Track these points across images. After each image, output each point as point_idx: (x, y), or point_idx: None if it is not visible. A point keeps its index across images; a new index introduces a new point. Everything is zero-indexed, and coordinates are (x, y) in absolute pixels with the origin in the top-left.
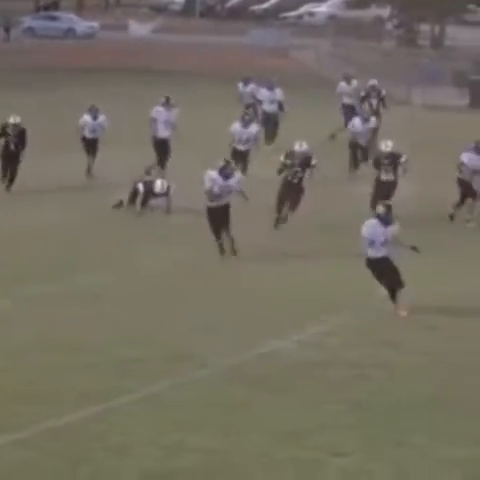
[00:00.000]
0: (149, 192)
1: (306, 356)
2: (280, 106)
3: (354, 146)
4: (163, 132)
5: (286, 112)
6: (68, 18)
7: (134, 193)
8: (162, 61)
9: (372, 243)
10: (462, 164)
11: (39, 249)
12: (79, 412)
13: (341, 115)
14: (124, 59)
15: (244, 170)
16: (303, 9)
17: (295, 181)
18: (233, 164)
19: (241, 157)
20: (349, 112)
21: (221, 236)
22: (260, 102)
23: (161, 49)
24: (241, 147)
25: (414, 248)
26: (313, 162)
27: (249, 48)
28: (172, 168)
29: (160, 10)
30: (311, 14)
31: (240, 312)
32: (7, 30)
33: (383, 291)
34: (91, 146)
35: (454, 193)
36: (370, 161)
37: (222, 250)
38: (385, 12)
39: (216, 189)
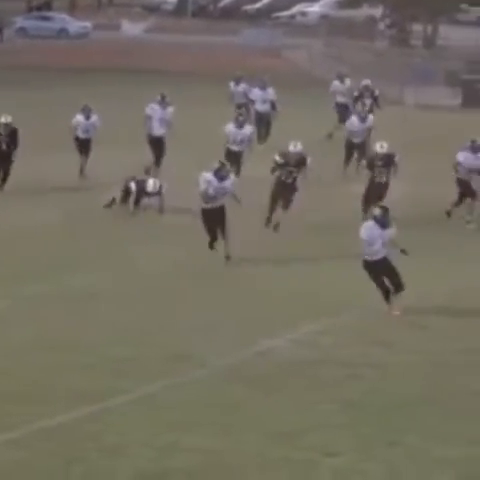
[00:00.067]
0: (141, 191)
1: (299, 355)
2: (273, 106)
3: (350, 145)
4: (158, 130)
5: (278, 112)
6: (61, 18)
7: (126, 192)
8: (155, 61)
9: (370, 245)
10: (458, 164)
11: (33, 249)
12: (73, 412)
13: (335, 114)
14: (117, 59)
15: (238, 171)
16: (295, 9)
17: (289, 181)
18: (228, 166)
19: (235, 158)
20: (343, 111)
21: (216, 238)
22: (252, 102)
23: (154, 49)
24: (235, 148)
25: (403, 251)
26: (308, 162)
27: (241, 48)
28: (165, 167)
29: (152, 10)
30: (303, 14)
31: (234, 312)
32: (0, 30)
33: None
34: (84, 146)
35: (448, 193)
36: (363, 162)
37: (212, 246)
38: (377, 12)
39: (211, 191)
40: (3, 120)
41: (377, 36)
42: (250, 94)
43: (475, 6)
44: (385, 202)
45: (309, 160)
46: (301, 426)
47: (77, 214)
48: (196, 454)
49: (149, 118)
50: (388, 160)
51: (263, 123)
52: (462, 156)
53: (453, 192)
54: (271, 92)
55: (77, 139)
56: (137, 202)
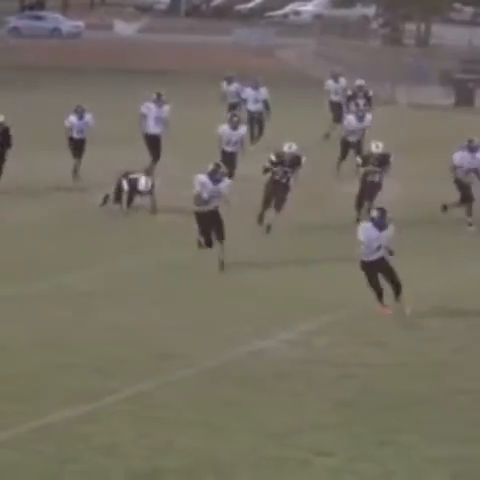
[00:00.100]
0: (133, 190)
1: (292, 355)
2: (266, 105)
3: (346, 143)
4: (154, 128)
5: (271, 111)
6: (54, 18)
7: (118, 190)
8: (147, 60)
9: (367, 246)
10: (455, 166)
11: (25, 248)
12: (64, 412)
13: (330, 113)
14: (110, 59)
15: (232, 173)
16: (288, 8)
17: (283, 180)
18: (223, 168)
19: (229, 159)
20: (337, 110)
21: (211, 242)
22: (245, 101)
23: (146, 48)
24: (229, 149)
25: (390, 251)
26: (302, 162)
27: (234, 47)
28: (158, 167)
29: (145, 10)
30: (297, 13)
31: (227, 312)
32: None
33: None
34: (78, 147)
35: (442, 192)
36: (358, 159)
37: (200, 245)
38: (371, 11)
39: (205, 194)
40: None
41: (370, 35)
42: (242, 93)
43: (468, 5)
44: (378, 202)
45: (303, 160)
46: (294, 425)
47: (70, 214)
48: (188, 453)
49: (144, 117)
50: (383, 160)
51: (255, 123)
52: (459, 156)
53: (447, 192)
54: (264, 92)
55: (71, 139)
56: (130, 201)
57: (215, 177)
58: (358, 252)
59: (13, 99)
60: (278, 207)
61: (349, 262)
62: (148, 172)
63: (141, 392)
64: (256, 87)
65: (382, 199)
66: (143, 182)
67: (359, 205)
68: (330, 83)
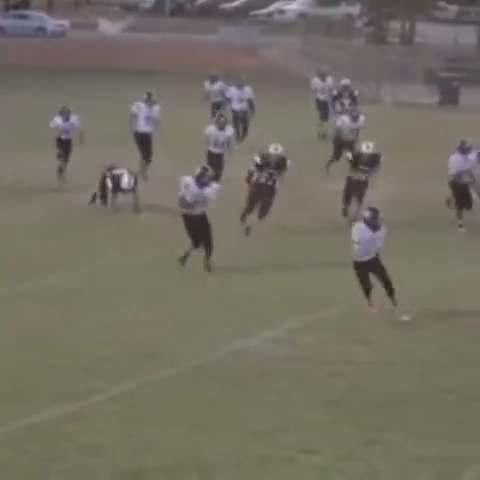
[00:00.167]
0: (117, 187)
1: (277, 353)
2: (250, 104)
3: (339, 143)
4: (144, 127)
5: (255, 110)
6: (38, 17)
7: (103, 187)
8: (132, 60)
9: (360, 247)
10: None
11: (12, 248)
12: (50, 411)
13: (316, 111)
14: (94, 58)
15: (219, 175)
16: (273, 7)
17: (269, 183)
18: (211, 171)
19: (216, 161)
20: (324, 108)
21: (198, 243)
22: (229, 100)
23: (131, 48)
24: (216, 151)
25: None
26: (287, 164)
27: (219, 46)
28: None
29: (130, 9)
30: (281, 12)
31: (211, 310)
32: None
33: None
34: (65, 148)
35: (431, 191)
36: (348, 154)
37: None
38: (355, 10)
39: (188, 197)
40: None
41: (355, 34)
42: (226, 93)
43: (452, 3)
44: (366, 201)
45: (289, 162)
46: (279, 424)
47: (57, 213)
48: (172, 452)
49: (135, 116)
50: (373, 160)
51: (240, 122)
52: (453, 158)
53: (433, 191)
54: (248, 91)
55: (59, 140)
56: (113, 199)
57: (201, 181)
58: (349, 252)
59: None
60: (263, 212)
61: (335, 261)
62: (144, 174)
63: (125, 391)
64: (240, 86)
65: (374, 199)
66: (126, 180)
67: (346, 199)
68: (316, 81)
